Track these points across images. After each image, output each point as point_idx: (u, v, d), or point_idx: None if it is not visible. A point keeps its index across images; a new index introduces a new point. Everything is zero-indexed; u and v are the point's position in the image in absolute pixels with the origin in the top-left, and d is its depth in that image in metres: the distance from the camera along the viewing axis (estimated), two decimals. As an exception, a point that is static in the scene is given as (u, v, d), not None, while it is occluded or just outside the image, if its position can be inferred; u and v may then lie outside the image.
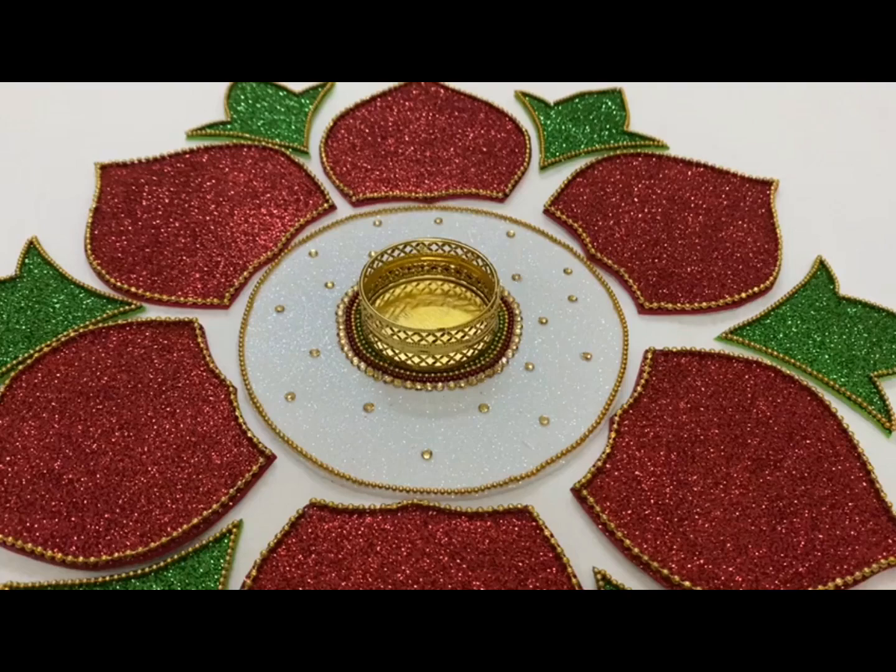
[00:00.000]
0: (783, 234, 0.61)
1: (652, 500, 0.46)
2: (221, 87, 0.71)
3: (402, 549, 0.43)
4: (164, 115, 0.69)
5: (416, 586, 0.42)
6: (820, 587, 0.43)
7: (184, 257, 0.58)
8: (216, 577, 0.42)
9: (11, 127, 0.69)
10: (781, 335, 0.55)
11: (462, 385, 0.51)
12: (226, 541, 0.44)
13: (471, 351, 0.52)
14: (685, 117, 0.71)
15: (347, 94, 0.72)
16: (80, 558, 0.43)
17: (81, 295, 0.56)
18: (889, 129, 0.72)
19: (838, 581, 0.43)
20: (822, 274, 0.59)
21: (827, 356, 0.54)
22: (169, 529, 0.44)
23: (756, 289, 0.57)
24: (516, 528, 0.45)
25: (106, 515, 0.44)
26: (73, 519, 0.44)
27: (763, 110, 0.73)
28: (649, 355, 0.53)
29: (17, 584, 0.41)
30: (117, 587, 0.42)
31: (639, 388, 0.51)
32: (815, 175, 0.67)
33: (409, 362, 0.51)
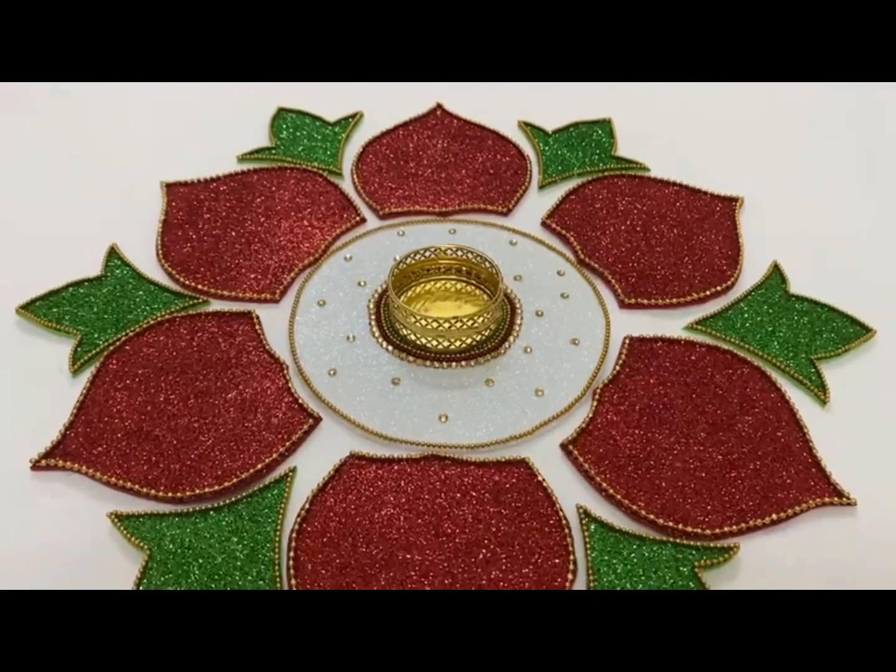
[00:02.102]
0: (745, 242, 0.72)
1: (626, 454, 0.57)
2: (266, 117, 0.83)
3: (425, 488, 0.54)
4: (219, 142, 0.81)
5: (434, 518, 0.53)
6: (759, 521, 0.53)
7: (240, 261, 0.69)
8: (276, 509, 0.53)
9: (93, 149, 0.80)
10: (739, 325, 0.66)
11: (472, 364, 0.62)
12: (283, 482, 0.55)
13: (479, 336, 0.63)
14: (664, 145, 0.82)
15: (374, 123, 0.83)
16: (169, 494, 0.54)
17: (156, 291, 0.67)
18: (829, 141, 0.83)
19: (773, 516, 0.54)
20: (776, 276, 0.70)
21: (776, 343, 0.64)
22: (238, 473, 0.55)
23: (719, 287, 0.68)
24: (516, 475, 0.55)
25: (187, 463, 0.55)
26: (160, 465, 0.55)
27: (732, 136, 0.84)
28: (627, 341, 0.64)
29: (121, 512, 0.52)
30: (198, 518, 0.53)
31: (617, 367, 0.62)
32: (775, 192, 0.78)
33: (428, 345, 0.62)
